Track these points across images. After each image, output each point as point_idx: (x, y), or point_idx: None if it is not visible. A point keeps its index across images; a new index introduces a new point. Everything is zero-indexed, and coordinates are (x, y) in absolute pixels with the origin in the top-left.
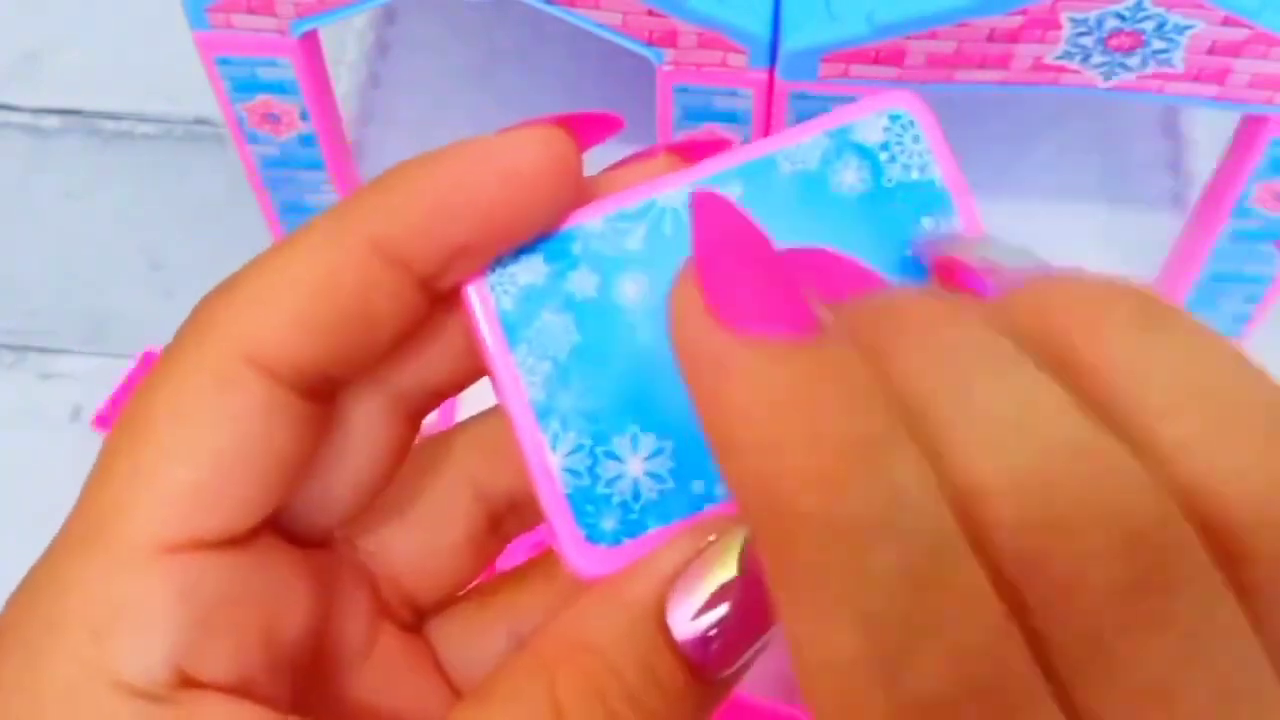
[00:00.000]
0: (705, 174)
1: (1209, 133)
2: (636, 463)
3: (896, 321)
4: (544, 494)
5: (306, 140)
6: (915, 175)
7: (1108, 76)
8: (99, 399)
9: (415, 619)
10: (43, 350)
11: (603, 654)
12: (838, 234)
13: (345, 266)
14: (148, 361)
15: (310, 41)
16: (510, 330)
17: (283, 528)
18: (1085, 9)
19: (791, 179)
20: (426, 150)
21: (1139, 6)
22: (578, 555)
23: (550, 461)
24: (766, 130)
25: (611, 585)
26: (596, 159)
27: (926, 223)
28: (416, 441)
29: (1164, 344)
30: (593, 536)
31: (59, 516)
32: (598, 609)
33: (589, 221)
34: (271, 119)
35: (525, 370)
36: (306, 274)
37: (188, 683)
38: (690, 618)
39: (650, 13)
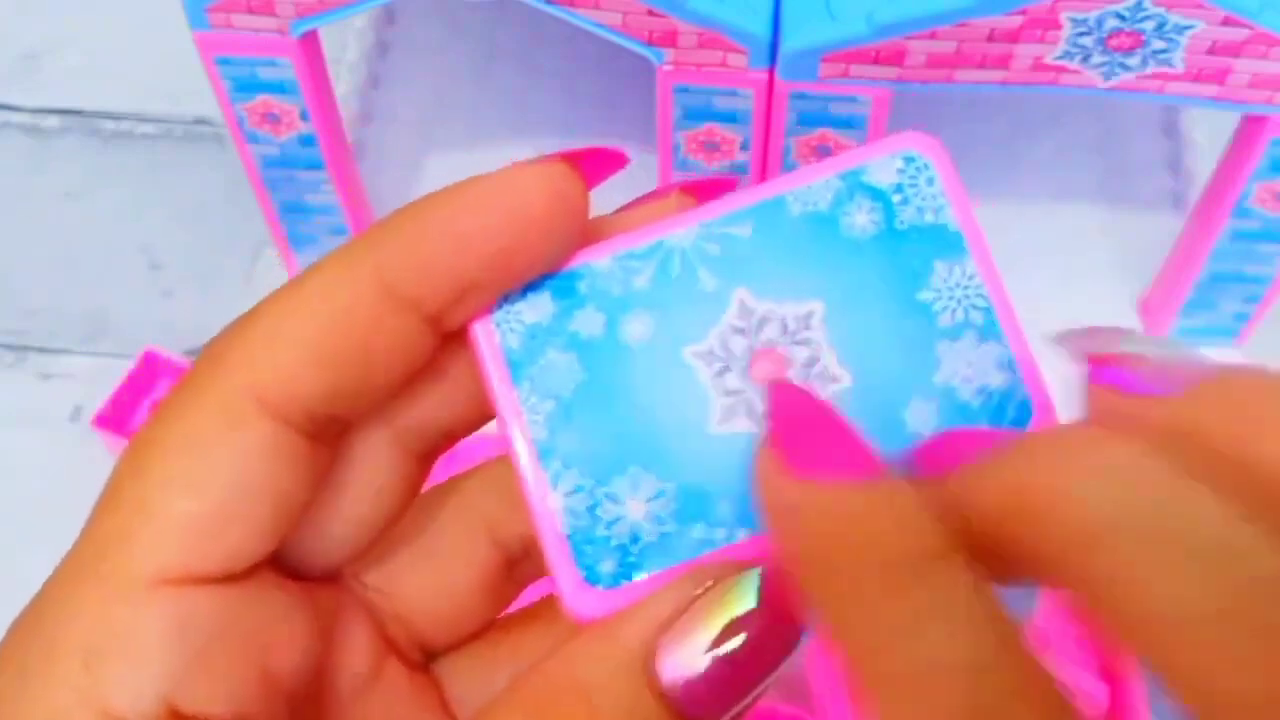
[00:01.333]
0: (715, 214)
1: (1209, 133)
2: (637, 505)
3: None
4: (544, 533)
5: (306, 140)
6: (929, 218)
7: (1108, 76)
8: (99, 399)
9: (424, 658)
10: (43, 350)
11: (589, 697)
12: (848, 276)
13: (354, 305)
14: (148, 361)
15: (310, 41)
16: (515, 368)
17: (285, 562)
18: (1085, 9)
19: (802, 220)
20: (425, 150)
21: (1139, 6)
22: (575, 596)
23: (551, 500)
24: (766, 130)
25: (604, 628)
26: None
27: (939, 266)
28: (431, 482)
29: None
30: (590, 578)
31: (59, 516)
32: (588, 650)
33: (597, 260)
34: (271, 119)
35: (528, 408)
36: (316, 313)
37: (177, 715)
38: (681, 664)
39: (650, 13)
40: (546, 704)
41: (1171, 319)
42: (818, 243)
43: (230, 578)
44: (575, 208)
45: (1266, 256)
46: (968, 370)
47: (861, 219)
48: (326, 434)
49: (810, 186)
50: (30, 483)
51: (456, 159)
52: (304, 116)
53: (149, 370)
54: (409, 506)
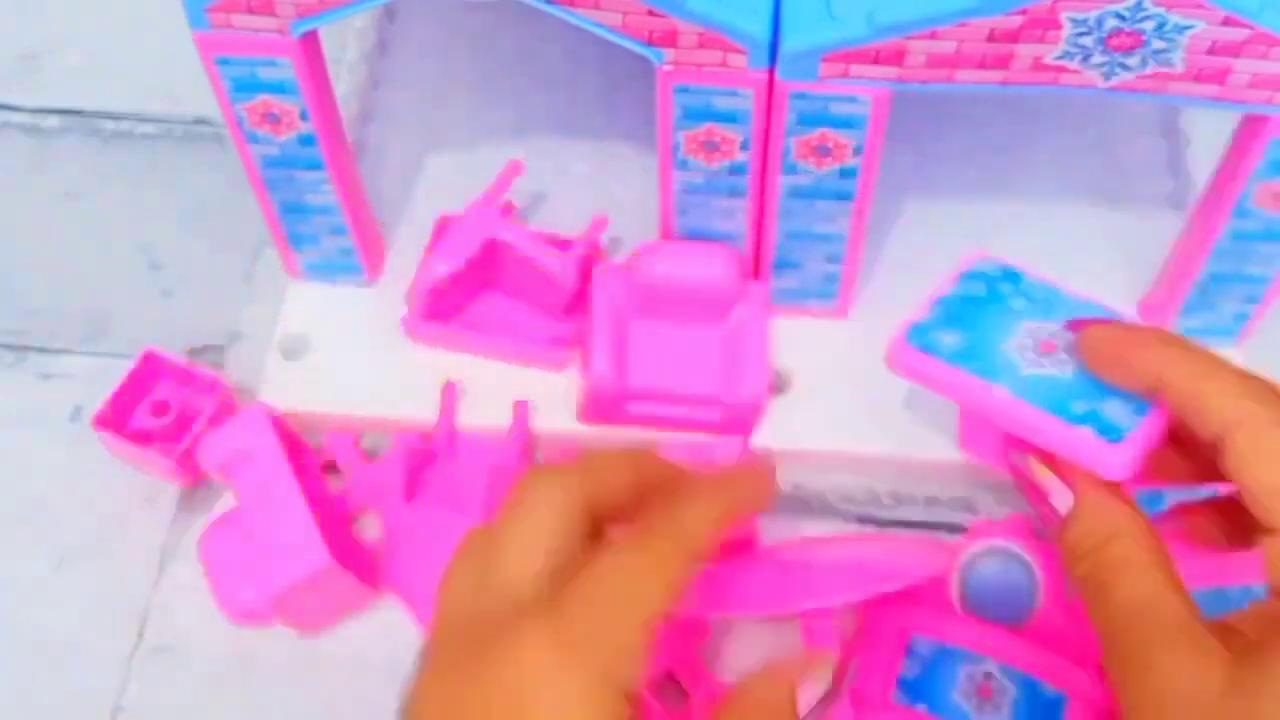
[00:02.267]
0: None
1: (1209, 133)
2: None
3: None
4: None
5: (306, 140)
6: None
7: (1108, 76)
8: (99, 399)
9: None
10: (43, 350)
11: None
12: None
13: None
14: (148, 361)
15: (310, 41)
16: None
17: None
18: (1085, 9)
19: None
20: (425, 150)
21: (1139, 6)
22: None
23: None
24: (766, 130)
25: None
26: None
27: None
28: None
29: None
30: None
31: (58, 516)
32: None
33: None
34: (271, 119)
35: None
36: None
37: None
38: None
39: (650, 13)
40: None
41: (1171, 319)
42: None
43: None
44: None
45: (1266, 256)
46: None
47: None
48: None
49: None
50: (30, 483)
51: (456, 159)
52: (304, 116)
53: (149, 370)
54: None
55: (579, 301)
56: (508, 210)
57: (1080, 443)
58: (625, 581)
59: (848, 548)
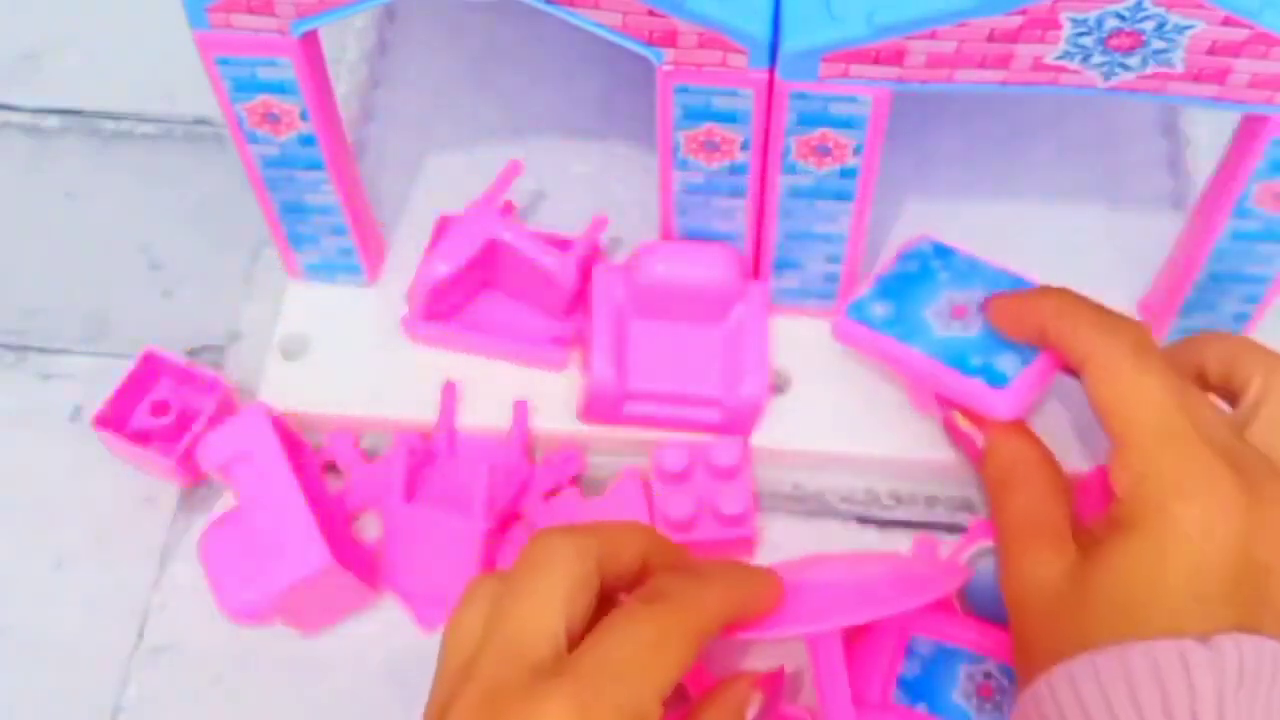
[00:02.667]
0: None
1: (1209, 133)
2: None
3: None
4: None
5: (306, 140)
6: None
7: (1108, 76)
8: (99, 399)
9: None
10: (43, 350)
11: None
12: None
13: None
14: (148, 362)
15: (310, 41)
16: None
17: None
18: (1085, 9)
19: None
20: (425, 150)
21: (1139, 6)
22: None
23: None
24: (766, 130)
25: None
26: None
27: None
28: None
29: None
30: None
31: (58, 516)
32: None
33: None
34: (271, 119)
35: None
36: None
37: None
38: None
39: (650, 13)
40: None
41: (1171, 319)
42: None
43: None
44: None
45: (1266, 256)
46: None
47: None
48: None
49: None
50: (30, 483)
51: (456, 159)
52: (304, 116)
53: (149, 370)
54: None
55: (579, 301)
56: (508, 210)
57: (972, 390)
58: (642, 651)
59: (854, 569)
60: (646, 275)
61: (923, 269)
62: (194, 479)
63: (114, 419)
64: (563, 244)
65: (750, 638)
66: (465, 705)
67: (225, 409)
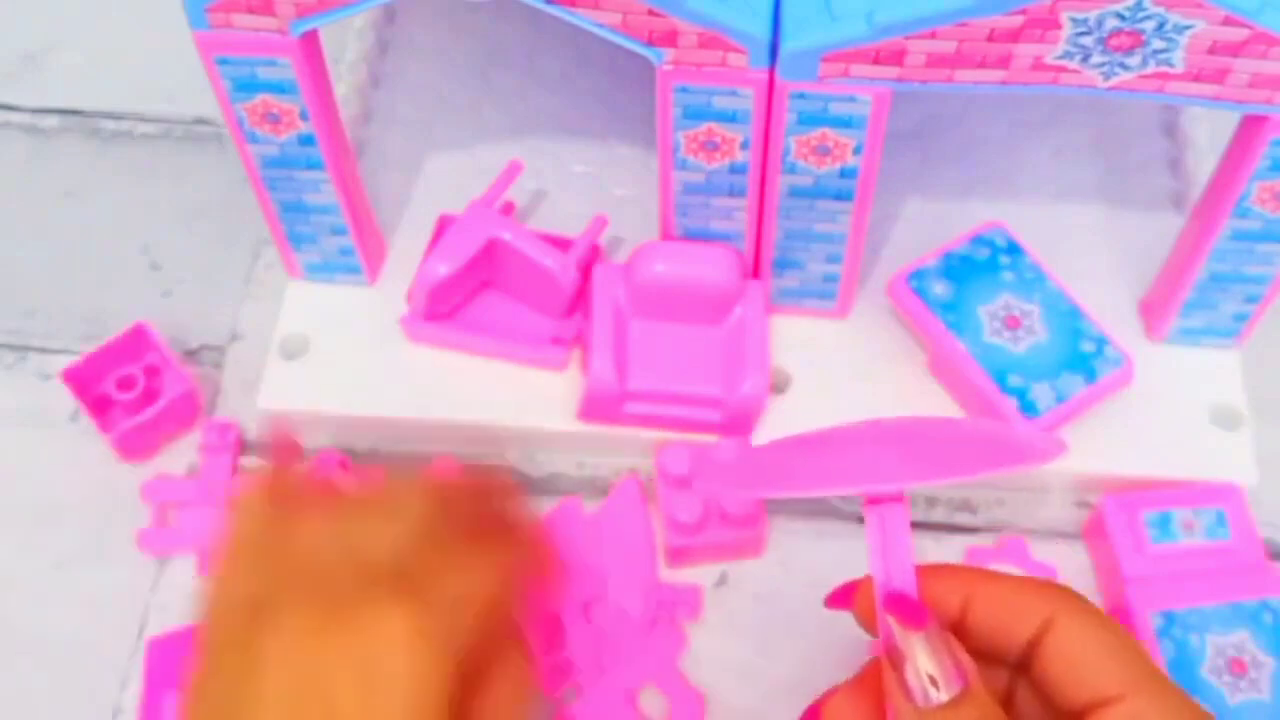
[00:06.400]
0: None
1: (1209, 133)
2: None
3: None
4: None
5: (306, 140)
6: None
7: (1108, 76)
8: None
9: None
10: (43, 350)
11: None
12: None
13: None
14: (136, 334)
15: (310, 41)
16: None
17: None
18: (1085, 9)
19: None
20: (425, 150)
21: (1139, 6)
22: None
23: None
24: (766, 130)
25: None
26: (595, 154)
27: None
28: None
29: None
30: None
31: (58, 516)
32: None
33: None
34: (271, 119)
35: None
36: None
37: None
38: None
39: (650, 13)
40: None
41: (1171, 319)
42: None
43: None
44: None
45: (1266, 256)
46: None
47: None
48: None
49: None
50: (30, 483)
51: (456, 159)
52: (304, 116)
53: (134, 343)
54: None
55: (579, 301)
56: (508, 210)
57: (1002, 407)
58: (472, 580)
59: (925, 428)
60: (646, 275)
61: (991, 260)
62: (131, 459)
63: (81, 376)
64: (563, 244)
65: (806, 495)
66: (300, 591)
67: (184, 407)
